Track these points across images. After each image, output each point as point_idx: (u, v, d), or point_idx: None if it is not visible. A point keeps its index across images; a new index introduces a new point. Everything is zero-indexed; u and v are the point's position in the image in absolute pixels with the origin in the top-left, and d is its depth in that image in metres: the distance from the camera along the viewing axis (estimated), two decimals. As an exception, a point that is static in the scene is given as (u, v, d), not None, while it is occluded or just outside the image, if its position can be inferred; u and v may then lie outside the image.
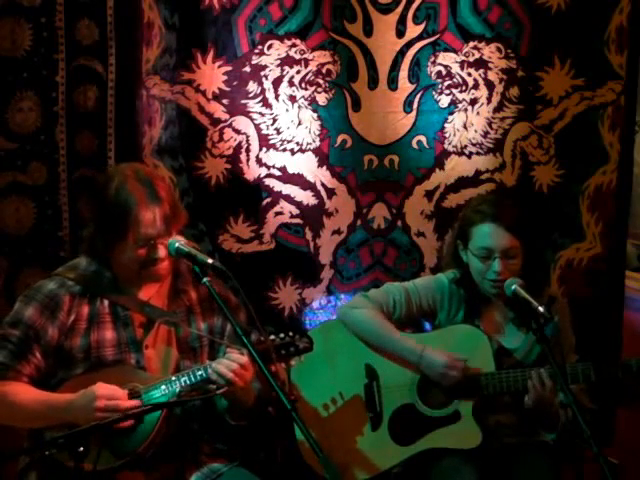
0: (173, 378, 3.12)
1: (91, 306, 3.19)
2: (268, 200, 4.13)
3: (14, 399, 3.11)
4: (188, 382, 3.10)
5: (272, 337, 3.11)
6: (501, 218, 3.44)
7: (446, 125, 4.21)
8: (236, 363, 3.07)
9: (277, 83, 4.05)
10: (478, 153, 4.25)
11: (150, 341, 3.23)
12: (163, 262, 3.17)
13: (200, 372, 3.11)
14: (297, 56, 4.05)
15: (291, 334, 3.17)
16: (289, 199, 4.14)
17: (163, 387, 3.11)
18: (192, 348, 3.27)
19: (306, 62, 4.06)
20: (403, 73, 4.13)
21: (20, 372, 3.13)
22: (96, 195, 3.22)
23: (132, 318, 3.22)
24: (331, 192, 4.18)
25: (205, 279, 3.04)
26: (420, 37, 4.12)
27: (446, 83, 4.18)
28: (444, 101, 4.20)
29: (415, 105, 4.17)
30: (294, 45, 4.04)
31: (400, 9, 4.09)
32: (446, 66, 4.16)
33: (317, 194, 4.17)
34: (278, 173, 4.12)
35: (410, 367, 3.57)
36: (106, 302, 3.21)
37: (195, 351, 3.27)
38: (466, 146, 4.24)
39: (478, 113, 4.22)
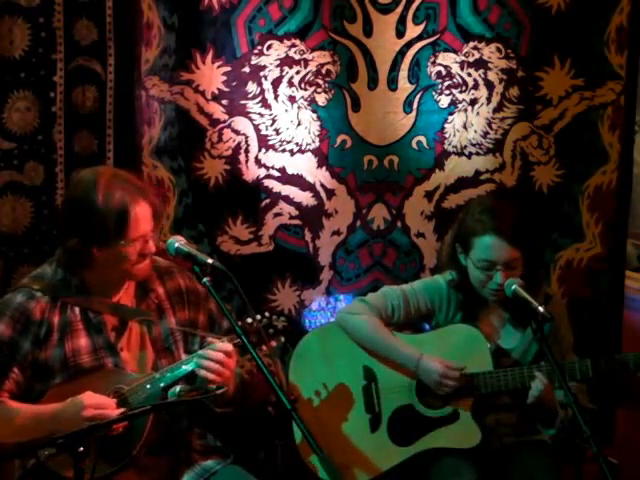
0: (157, 375, 3.10)
1: (62, 315, 3.15)
2: (267, 201, 4.12)
3: (2, 415, 3.07)
4: (172, 378, 3.08)
5: (249, 320, 3.09)
6: (503, 229, 3.42)
7: (446, 125, 4.22)
8: (221, 352, 3.05)
9: (276, 83, 4.04)
10: (478, 153, 4.26)
11: (124, 343, 3.20)
12: (149, 259, 3.15)
13: (185, 366, 3.09)
14: (296, 56, 4.04)
15: (267, 315, 3.16)
16: (288, 200, 4.14)
17: (148, 386, 3.09)
18: (167, 346, 3.24)
19: (305, 62, 4.06)
20: (403, 73, 4.13)
21: (1, 389, 3.09)
22: (79, 205, 3.12)
23: (104, 322, 3.18)
24: (330, 193, 4.18)
25: (205, 279, 3.02)
26: (420, 37, 4.12)
27: (446, 83, 4.18)
28: (444, 101, 4.20)
29: (415, 105, 4.17)
30: (293, 45, 4.03)
31: (400, 9, 4.09)
32: (446, 66, 4.17)
33: (316, 195, 4.16)
34: (277, 174, 4.11)
35: (407, 373, 3.56)
36: (77, 309, 3.16)
37: (170, 348, 3.24)
38: (466, 146, 4.24)
39: (478, 113, 4.23)
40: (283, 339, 3.20)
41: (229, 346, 3.07)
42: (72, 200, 3.17)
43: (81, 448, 2.66)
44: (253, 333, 3.07)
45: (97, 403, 3.01)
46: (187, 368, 3.08)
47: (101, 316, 3.18)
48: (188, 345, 3.28)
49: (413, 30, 4.11)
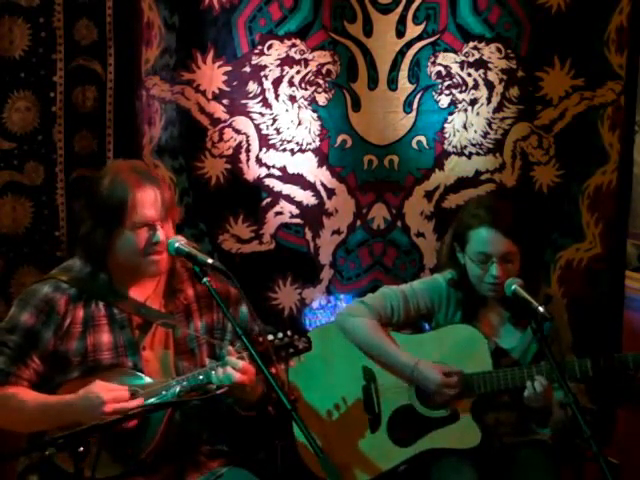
0: (173, 383, 3.09)
1: (86, 309, 3.16)
2: (268, 200, 4.12)
3: (15, 404, 3.08)
4: (188, 387, 3.07)
5: (270, 337, 3.08)
6: (498, 223, 3.43)
7: (446, 125, 4.22)
8: (236, 370, 3.04)
9: (277, 83, 4.05)
10: (478, 153, 4.25)
11: (148, 342, 3.20)
12: (163, 253, 3.13)
13: (201, 377, 3.08)
14: (297, 56, 4.04)
15: (289, 334, 3.14)
16: (289, 199, 4.14)
17: (163, 392, 3.08)
18: (190, 349, 3.24)
19: (306, 62, 4.06)
20: (403, 73, 4.13)
21: (20, 377, 3.10)
22: (91, 190, 3.20)
23: (129, 320, 3.19)
24: (331, 192, 4.18)
25: (205, 279, 3.02)
26: (420, 37, 4.12)
27: (446, 83, 4.18)
28: (444, 101, 4.20)
29: (415, 105, 4.17)
30: (294, 45, 4.04)
31: (400, 9, 4.09)
32: (446, 66, 4.17)
33: (317, 194, 4.17)
34: (278, 173, 4.11)
35: (405, 379, 3.57)
36: (101, 305, 3.18)
37: (193, 351, 3.24)
38: (466, 146, 4.24)
39: (478, 113, 4.23)
40: (302, 359, 3.18)
41: (244, 363, 3.05)
42: (88, 188, 3.22)
43: (81, 448, 2.67)
44: (274, 350, 3.05)
45: (115, 397, 2.99)
46: (203, 379, 3.08)
47: (126, 313, 3.18)
48: (213, 350, 3.27)
49: (413, 30, 4.11)
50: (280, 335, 3.12)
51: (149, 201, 3.11)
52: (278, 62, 4.03)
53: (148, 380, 3.12)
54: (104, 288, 3.18)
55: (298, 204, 4.15)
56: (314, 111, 4.11)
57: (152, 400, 3.06)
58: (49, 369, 3.14)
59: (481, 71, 4.19)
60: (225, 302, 3.19)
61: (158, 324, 3.20)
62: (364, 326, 3.59)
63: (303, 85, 4.08)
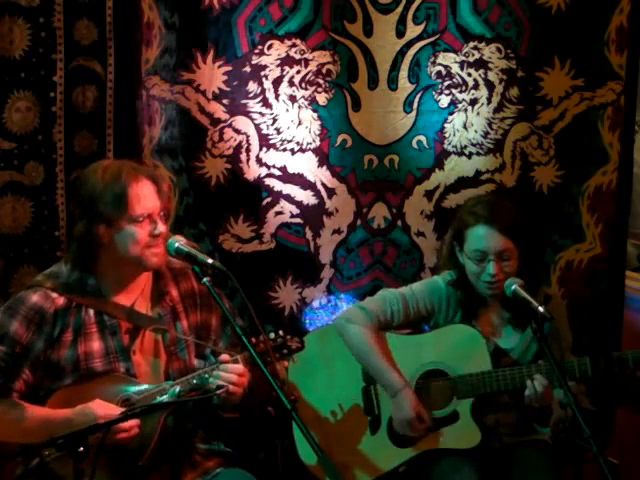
0: (168, 388, 3.08)
1: (76, 316, 3.13)
2: (268, 200, 4.13)
3: (7, 416, 3.06)
4: (183, 391, 3.07)
5: (263, 338, 3.07)
6: (495, 220, 3.43)
7: (446, 125, 4.22)
8: (233, 374, 3.05)
9: (277, 83, 4.05)
10: (478, 153, 4.26)
11: (138, 346, 3.18)
12: (162, 246, 3.11)
13: (195, 381, 3.08)
14: (297, 56, 4.05)
15: (282, 333, 3.14)
16: (289, 199, 4.14)
17: (159, 398, 3.07)
18: (179, 349, 3.23)
19: (306, 62, 4.06)
20: (403, 73, 4.14)
21: (10, 388, 3.08)
22: (81, 188, 3.15)
23: (119, 325, 3.16)
24: (331, 192, 4.18)
25: (205, 279, 3.01)
26: (420, 37, 4.13)
27: (446, 83, 4.18)
28: (444, 101, 4.20)
29: (415, 105, 4.18)
30: (294, 45, 4.04)
31: (400, 9, 4.09)
32: (446, 66, 4.17)
33: (317, 194, 4.17)
34: (278, 173, 4.12)
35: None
36: (91, 311, 3.15)
37: (182, 352, 3.23)
38: (466, 146, 4.25)
39: (478, 113, 4.23)
40: (295, 359, 3.19)
41: (240, 367, 3.06)
42: (78, 187, 3.18)
43: (81, 448, 2.67)
44: (269, 350, 3.04)
45: (109, 414, 2.96)
46: (197, 383, 3.07)
47: (116, 319, 3.16)
48: (201, 348, 3.26)
49: (413, 30, 4.11)
50: (272, 335, 3.12)
51: (150, 193, 3.11)
52: (278, 62, 4.03)
53: (142, 387, 3.10)
54: (93, 294, 3.15)
55: (298, 204, 4.16)
56: (314, 111, 4.11)
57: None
58: (40, 379, 3.11)
59: (481, 71, 4.20)
60: (208, 301, 3.22)
61: (150, 330, 3.19)
62: (359, 336, 3.57)
63: (303, 85, 4.08)
